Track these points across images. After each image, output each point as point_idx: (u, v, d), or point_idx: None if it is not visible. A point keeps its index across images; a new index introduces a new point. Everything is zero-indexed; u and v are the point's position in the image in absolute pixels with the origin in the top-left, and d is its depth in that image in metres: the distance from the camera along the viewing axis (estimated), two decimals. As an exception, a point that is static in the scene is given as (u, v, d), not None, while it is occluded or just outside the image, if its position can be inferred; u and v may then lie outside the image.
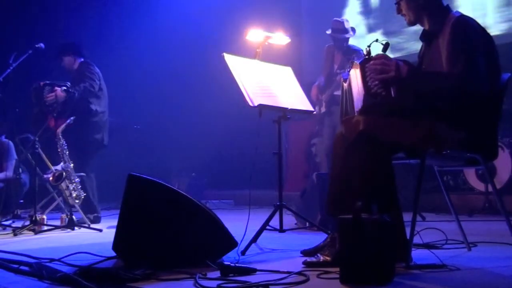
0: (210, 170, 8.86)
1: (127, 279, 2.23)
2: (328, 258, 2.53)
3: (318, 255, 2.59)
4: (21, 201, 5.90)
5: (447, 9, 2.68)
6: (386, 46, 2.64)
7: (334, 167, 2.67)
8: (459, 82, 2.43)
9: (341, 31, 5.67)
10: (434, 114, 2.51)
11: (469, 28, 2.54)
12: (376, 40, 2.62)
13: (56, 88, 4.98)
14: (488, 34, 2.62)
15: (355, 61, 2.70)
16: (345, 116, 2.77)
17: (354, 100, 2.65)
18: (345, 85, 2.78)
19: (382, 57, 2.55)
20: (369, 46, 2.60)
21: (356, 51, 5.62)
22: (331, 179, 2.69)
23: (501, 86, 2.64)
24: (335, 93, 5.64)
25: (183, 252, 2.58)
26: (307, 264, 2.54)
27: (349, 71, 2.83)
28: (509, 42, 5.88)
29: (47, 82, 5.05)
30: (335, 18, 5.77)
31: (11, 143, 5.88)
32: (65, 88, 4.94)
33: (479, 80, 2.44)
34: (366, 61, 2.58)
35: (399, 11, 2.78)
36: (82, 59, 5.41)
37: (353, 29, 5.76)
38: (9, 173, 5.71)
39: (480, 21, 2.69)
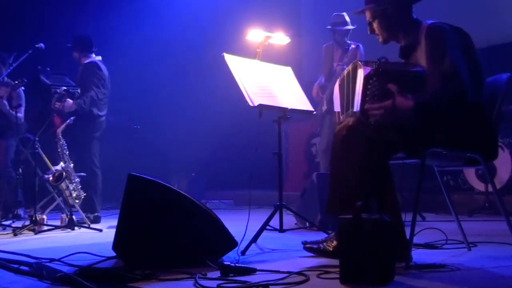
0: (210, 170, 8.86)
1: (127, 279, 2.22)
2: (330, 249, 2.54)
3: (321, 245, 2.59)
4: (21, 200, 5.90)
5: (418, 21, 2.67)
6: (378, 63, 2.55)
7: (332, 166, 2.67)
8: (450, 94, 2.40)
9: (341, 23, 5.63)
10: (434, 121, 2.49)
11: (442, 33, 2.51)
12: (386, 59, 2.53)
13: (68, 100, 5.05)
14: (465, 34, 2.58)
15: (360, 62, 2.60)
16: (345, 103, 2.70)
17: (355, 93, 2.57)
18: (350, 68, 2.65)
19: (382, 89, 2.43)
20: (378, 60, 2.53)
21: (355, 46, 5.61)
22: (330, 178, 2.69)
23: (500, 86, 2.63)
24: None
25: (183, 252, 2.58)
26: (307, 248, 2.53)
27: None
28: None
29: (67, 89, 5.09)
30: (335, 13, 5.75)
31: (20, 90, 5.76)
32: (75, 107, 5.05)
33: (464, 86, 2.40)
34: (370, 76, 2.48)
35: (371, 31, 2.74)
36: (90, 59, 5.38)
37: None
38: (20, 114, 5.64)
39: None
